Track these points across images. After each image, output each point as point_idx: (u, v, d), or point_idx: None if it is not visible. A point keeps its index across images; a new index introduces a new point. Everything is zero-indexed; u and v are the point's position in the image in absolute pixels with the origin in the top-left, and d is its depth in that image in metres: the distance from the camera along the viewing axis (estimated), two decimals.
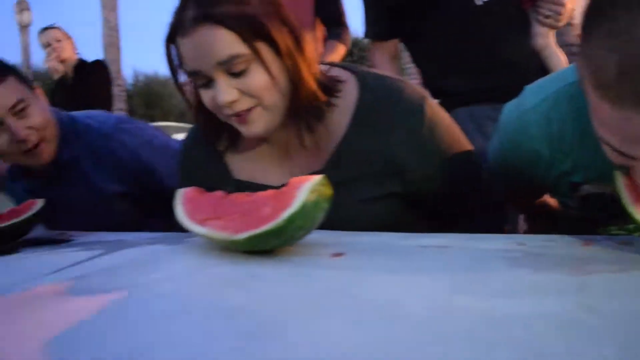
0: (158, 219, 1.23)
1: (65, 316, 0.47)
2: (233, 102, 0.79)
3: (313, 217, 0.62)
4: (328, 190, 0.63)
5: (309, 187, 0.61)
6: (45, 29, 3.00)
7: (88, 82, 2.93)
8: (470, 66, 1.43)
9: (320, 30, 2.02)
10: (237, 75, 0.78)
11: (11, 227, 0.96)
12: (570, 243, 0.66)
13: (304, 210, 0.60)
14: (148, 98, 21.12)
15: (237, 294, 0.50)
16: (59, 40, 2.97)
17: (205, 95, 0.82)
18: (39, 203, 1.02)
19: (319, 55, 1.85)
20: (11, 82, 1.16)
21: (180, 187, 0.82)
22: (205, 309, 0.46)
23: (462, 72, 1.45)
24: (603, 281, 0.49)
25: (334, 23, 2.01)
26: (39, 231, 1.14)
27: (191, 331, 0.41)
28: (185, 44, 0.78)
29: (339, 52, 1.99)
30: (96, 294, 0.54)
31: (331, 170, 0.85)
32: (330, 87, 0.86)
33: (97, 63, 3.12)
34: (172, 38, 0.81)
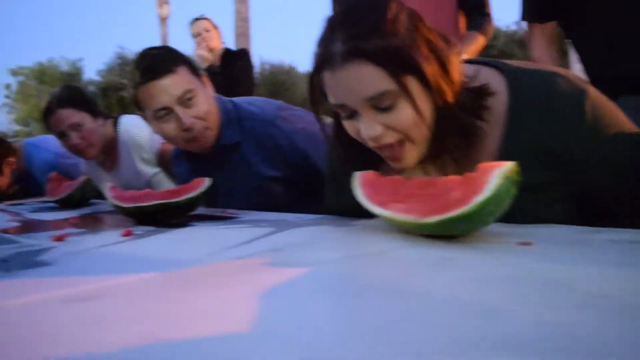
0: (307, 202, 1.27)
1: (274, 280, 0.50)
2: (378, 137, 0.77)
3: (503, 203, 0.60)
4: (517, 177, 0.61)
5: (500, 173, 0.59)
6: (196, 19, 3.21)
7: (233, 69, 3.10)
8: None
9: (462, 21, 1.94)
10: (383, 110, 0.76)
11: (186, 201, 1.04)
12: None
13: (497, 196, 0.59)
14: (273, 87, 21.89)
15: (440, 275, 0.50)
16: (208, 30, 3.16)
17: (350, 126, 0.81)
18: (207, 181, 1.09)
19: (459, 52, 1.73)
20: (182, 73, 1.24)
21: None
22: (410, 290, 0.46)
23: (631, 57, 1.33)
24: None
25: (476, 12, 1.89)
26: (200, 209, 1.22)
27: (409, 313, 0.41)
28: (333, 78, 0.76)
29: (478, 43, 1.86)
30: (293, 266, 0.57)
31: None
32: (477, 107, 0.80)
33: (242, 51, 3.29)
34: (318, 70, 0.79)
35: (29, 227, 1.13)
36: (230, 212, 1.20)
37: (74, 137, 1.75)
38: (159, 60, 1.24)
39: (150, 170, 1.85)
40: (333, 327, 0.38)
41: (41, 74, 27.08)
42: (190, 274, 0.56)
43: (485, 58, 0.91)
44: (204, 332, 0.37)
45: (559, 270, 0.50)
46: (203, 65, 3.21)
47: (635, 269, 0.49)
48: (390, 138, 0.77)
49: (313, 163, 1.32)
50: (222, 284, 0.51)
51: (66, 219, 1.25)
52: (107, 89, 20.94)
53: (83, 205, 1.60)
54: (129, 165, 1.87)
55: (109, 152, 1.88)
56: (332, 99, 0.80)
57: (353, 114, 0.79)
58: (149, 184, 1.84)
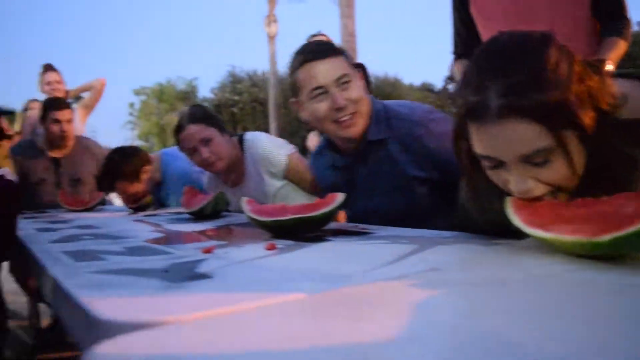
0: (448, 207, 1.25)
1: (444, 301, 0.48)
2: (528, 191, 0.73)
3: None
4: None
5: None
6: (314, 36, 3.30)
7: None
8: None
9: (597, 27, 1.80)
10: (536, 164, 0.72)
11: (322, 216, 1.06)
12: None
13: None
14: (379, 99, 21.97)
15: (624, 303, 0.46)
16: None
17: (496, 176, 0.78)
18: (340, 196, 1.10)
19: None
20: (341, 60, 1.37)
21: None
22: (592, 316, 0.43)
23: None
24: None
25: (614, 16, 1.75)
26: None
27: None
28: (484, 131, 0.73)
29: (620, 50, 1.70)
30: (461, 286, 0.55)
31: None
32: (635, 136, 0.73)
33: (359, 66, 3.33)
34: (465, 117, 0.76)
35: (172, 238, 1.20)
36: (363, 227, 1.20)
37: (205, 151, 1.86)
38: (321, 46, 1.41)
39: (277, 183, 1.91)
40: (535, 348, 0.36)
41: (161, 93, 29.12)
42: (355, 293, 0.56)
43: (629, 70, 0.84)
44: None
45: None
46: None
47: None
48: (540, 191, 0.73)
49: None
50: (390, 306, 0.50)
51: (203, 231, 1.32)
52: (219, 105, 22.05)
53: (215, 217, 1.68)
54: (256, 180, 1.94)
55: (235, 168, 1.97)
56: (478, 149, 0.76)
57: (500, 165, 0.75)
58: (274, 197, 1.90)
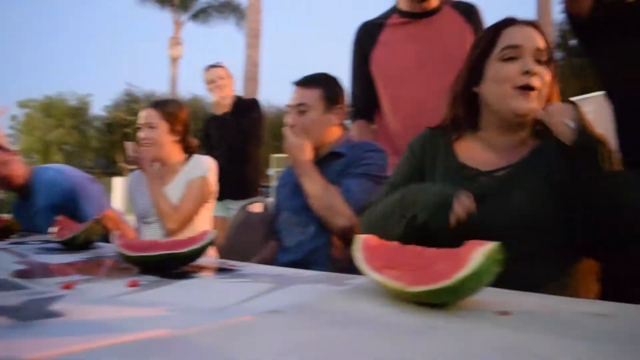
0: None
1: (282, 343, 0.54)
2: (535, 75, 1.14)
3: (484, 280, 0.66)
4: (499, 256, 0.67)
5: (483, 252, 0.65)
6: (212, 66, 3.34)
7: (243, 118, 3.21)
8: None
9: None
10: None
11: (191, 253, 1.09)
12: None
13: (478, 274, 0.64)
14: (277, 129, 22.25)
15: (420, 344, 0.55)
16: (222, 78, 3.29)
17: (506, 68, 1.17)
18: (211, 233, 1.15)
19: None
20: (316, 92, 1.80)
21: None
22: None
23: None
24: None
25: None
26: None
27: None
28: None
29: None
30: (297, 329, 0.62)
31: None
32: None
33: (253, 102, 3.41)
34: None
35: (36, 271, 1.17)
36: (231, 264, 1.25)
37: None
38: None
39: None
40: None
41: (48, 107, 27.45)
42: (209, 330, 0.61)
43: None
44: None
45: (536, 342, 0.55)
46: (218, 112, 3.31)
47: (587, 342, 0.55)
48: (538, 82, 1.21)
49: None
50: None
51: (70, 263, 1.29)
52: (112, 124, 21.16)
53: (86, 248, 1.65)
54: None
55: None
56: (505, 42, 1.24)
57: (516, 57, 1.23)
58: None
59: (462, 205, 1.02)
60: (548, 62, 1.20)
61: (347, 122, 2.06)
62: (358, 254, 0.80)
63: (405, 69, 2.03)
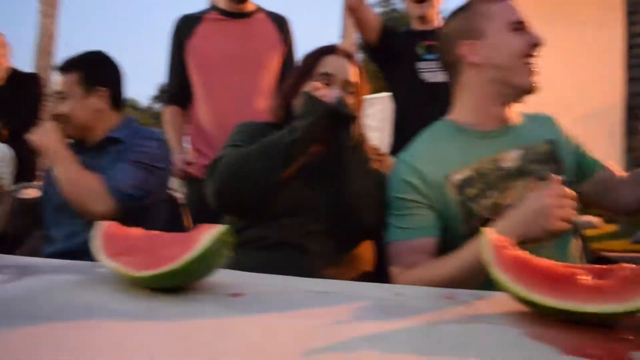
0: None
1: None
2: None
3: (212, 262, 0.69)
4: (229, 238, 0.70)
5: (211, 235, 0.67)
6: None
7: (21, 93, 2.90)
8: None
9: None
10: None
11: None
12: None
13: (205, 256, 0.66)
14: None
15: (139, 329, 0.55)
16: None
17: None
18: None
19: None
20: (72, 77, 1.72)
21: None
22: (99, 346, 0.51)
23: None
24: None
25: None
26: None
27: None
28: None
29: None
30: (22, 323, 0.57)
31: None
32: None
33: (33, 77, 3.09)
34: None
35: None
36: None
37: None
38: None
39: None
40: None
41: None
42: None
43: None
44: None
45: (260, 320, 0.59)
46: None
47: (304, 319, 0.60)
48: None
49: None
50: None
51: None
52: None
53: None
54: None
55: None
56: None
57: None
58: None
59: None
60: (356, 92, 1.47)
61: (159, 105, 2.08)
62: (96, 242, 0.78)
63: (218, 58, 2.25)
